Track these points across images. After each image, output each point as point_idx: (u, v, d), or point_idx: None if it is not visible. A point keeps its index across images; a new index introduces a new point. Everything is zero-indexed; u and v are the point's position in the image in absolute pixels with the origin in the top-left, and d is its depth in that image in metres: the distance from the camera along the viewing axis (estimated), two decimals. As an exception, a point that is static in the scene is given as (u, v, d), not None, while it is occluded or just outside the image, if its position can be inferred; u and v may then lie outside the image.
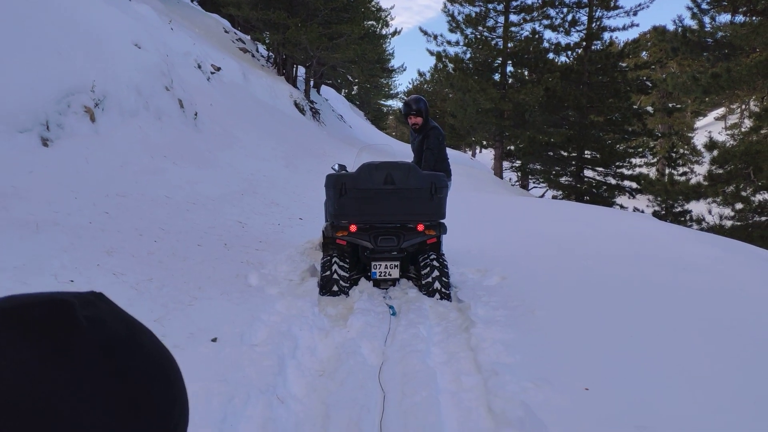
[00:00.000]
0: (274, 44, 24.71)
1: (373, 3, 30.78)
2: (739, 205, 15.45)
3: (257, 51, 28.12)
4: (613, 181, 24.58)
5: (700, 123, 52.02)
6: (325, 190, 5.50)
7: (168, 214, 6.86)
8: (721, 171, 14.92)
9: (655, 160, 27.57)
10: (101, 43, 8.84)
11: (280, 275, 5.82)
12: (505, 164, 30.44)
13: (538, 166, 26.77)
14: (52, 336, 0.54)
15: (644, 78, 24.90)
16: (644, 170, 25.18)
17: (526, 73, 27.38)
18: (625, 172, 24.46)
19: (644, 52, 28.38)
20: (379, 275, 5.48)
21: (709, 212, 16.36)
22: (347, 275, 5.44)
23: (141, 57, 9.96)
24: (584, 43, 24.80)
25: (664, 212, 19.31)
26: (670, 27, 16.67)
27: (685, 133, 37.56)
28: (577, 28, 25.29)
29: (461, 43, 27.84)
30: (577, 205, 14.33)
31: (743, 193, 15.08)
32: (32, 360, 0.52)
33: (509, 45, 26.85)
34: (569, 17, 25.28)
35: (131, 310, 2.64)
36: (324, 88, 35.51)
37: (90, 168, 6.59)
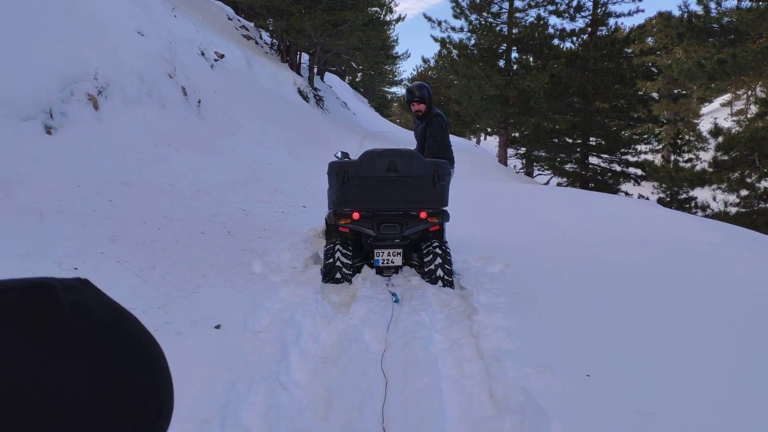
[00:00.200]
0: (278, 31, 24.62)
1: (377, -11, 30.62)
2: (744, 192, 15.39)
3: (261, 38, 28.02)
4: (618, 168, 24.51)
5: (705, 109, 51.71)
6: (328, 177, 5.50)
7: (172, 201, 6.88)
8: (726, 157, 14.85)
9: (660, 146, 27.46)
10: (104, 30, 8.82)
11: (284, 263, 5.84)
12: (510, 151, 30.35)
13: (543, 153, 26.70)
14: (32, 320, 0.53)
15: (650, 64, 24.75)
16: (649, 157, 25.09)
17: (531, 59, 27.23)
18: (630, 158, 24.37)
19: (650, 38, 28.22)
20: (382, 263, 5.50)
21: (714, 199, 16.31)
22: (350, 263, 5.46)
23: (144, 44, 9.94)
24: (589, 29, 24.65)
25: (669, 199, 19.26)
26: (676, 13, 16.56)
27: (690, 119, 37.39)
28: (582, 13, 25.13)
29: (465, 29, 27.70)
30: (581, 192, 14.30)
31: (748, 180, 15.02)
32: (9, 344, 0.51)
33: (514, 31, 26.69)
34: (574, 3, 25.12)
35: (135, 298, 2.67)
36: (328, 75, 35.40)
37: (93, 156, 6.60)
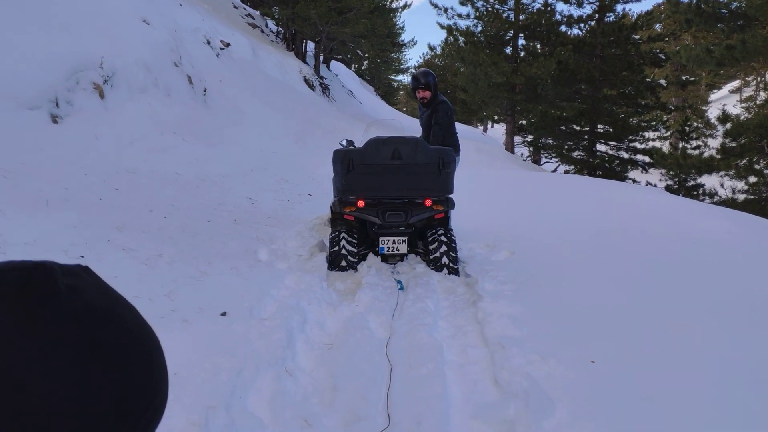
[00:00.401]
0: (284, 19, 24.56)
1: (382, -24, 30.43)
2: (752, 179, 15.30)
3: (266, 26, 27.96)
4: (625, 156, 24.37)
5: (714, 96, 51.28)
6: (333, 165, 5.49)
7: (178, 190, 6.90)
8: (734, 144, 14.75)
9: (668, 134, 27.29)
10: (109, 19, 8.82)
11: (290, 251, 5.86)
12: (517, 139, 30.24)
13: (551, 141, 26.57)
14: (25, 300, 0.53)
15: (658, 50, 24.53)
16: (657, 144, 24.93)
17: (538, 46, 27.07)
18: (638, 146, 24.23)
19: (658, 24, 27.95)
20: (387, 250, 5.50)
21: (722, 186, 16.21)
22: (355, 250, 5.47)
23: (149, 33, 9.94)
24: (597, 16, 24.44)
25: (677, 186, 19.15)
26: (684, -2, 16.40)
27: (699, 106, 37.08)
28: (589, 0, 24.92)
29: (472, 16, 27.52)
30: (588, 180, 14.25)
31: (756, 167, 14.92)
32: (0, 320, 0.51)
33: (521, 17, 26.51)
34: (582, -11, 24.90)
35: (141, 286, 2.68)
36: (334, 64, 35.30)
37: (100, 145, 6.63)
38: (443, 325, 4.29)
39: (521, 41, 27.41)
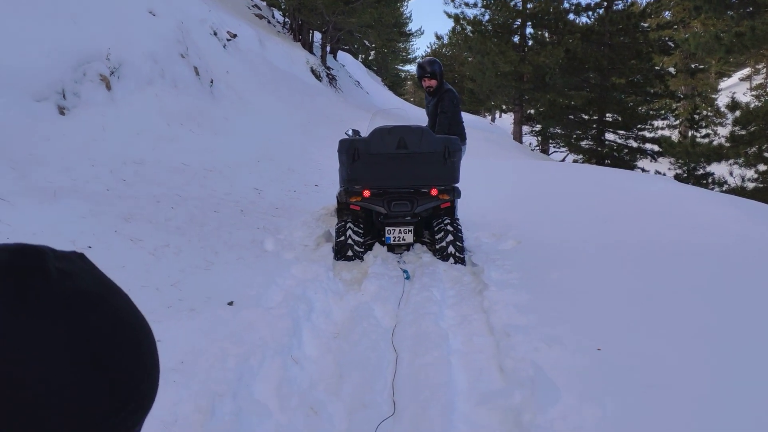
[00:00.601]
0: (290, 9, 24.52)
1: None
2: (762, 167, 15.18)
3: (273, 17, 27.92)
4: (634, 144, 24.21)
5: (724, 84, 50.84)
6: (338, 155, 5.49)
7: (185, 181, 6.93)
8: (743, 132, 14.62)
9: (677, 122, 27.10)
10: (115, 11, 8.83)
11: (296, 240, 5.87)
12: (525, 129, 30.11)
13: (559, 130, 26.41)
14: (14, 281, 0.53)
15: (666, 38, 24.31)
16: (666, 133, 24.77)
17: (546, 34, 26.89)
18: (647, 134, 24.06)
19: (667, 12, 27.68)
20: (393, 240, 5.50)
21: (731, 174, 16.10)
22: (361, 240, 5.47)
23: (156, 24, 9.95)
24: (605, 3, 24.21)
25: (686, 175, 19.05)
26: (693, -16, 16.20)
27: (708, 94, 36.77)
28: (597, -12, 24.71)
29: (479, 5, 27.34)
30: (595, 168, 14.19)
31: (766, 154, 14.80)
32: None
33: (528, 6, 26.31)
34: (590, -23, 24.69)
35: (148, 276, 2.70)
36: (341, 54, 35.21)
37: (107, 136, 6.65)
38: (449, 314, 4.30)
39: (529, 30, 27.25)
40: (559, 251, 5.48)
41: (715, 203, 7.46)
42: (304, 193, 8.35)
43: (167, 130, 8.12)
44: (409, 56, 49.04)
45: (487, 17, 27.49)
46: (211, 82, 11.39)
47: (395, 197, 5.43)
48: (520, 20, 26.80)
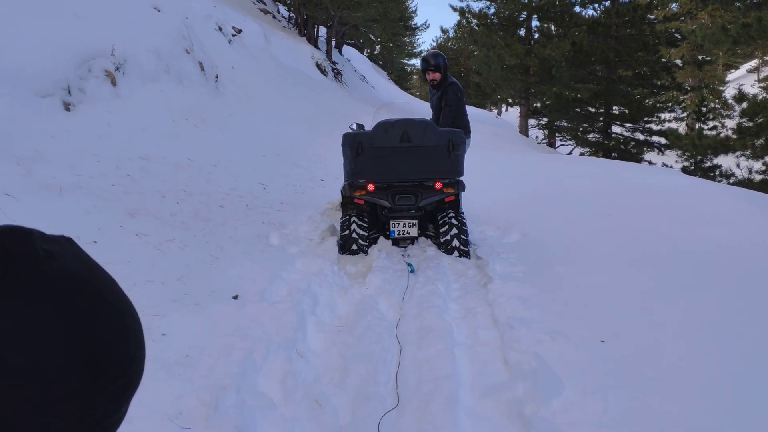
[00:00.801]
0: (295, 4, 24.49)
1: (394, -41, 30.13)
2: (768, 158, 15.11)
3: (278, 12, 27.89)
4: (641, 137, 24.10)
5: (732, 76, 50.45)
6: (342, 149, 5.49)
7: (190, 176, 6.94)
8: (750, 124, 14.53)
9: (684, 114, 26.96)
10: (120, 7, 8.85)
11: (301, 235, 5.88)
12: (531, 122, 30.00)
13: (565, 123, 26.32)
14: (1, 260, 0.54)
15: (673, 30, 24.16)
16: (673, 125, 24.64)
17: (552, 27, 26.76)
18: (654, 127, 23.95)
19: (674, 4, 27.49)
20: (398, 234, 5.50)
21: (738, 166, 16.01)
22: (366, 234, 5.48)
23: (160, 20, 9.96)
24: (612, -5, 24.11)
25: (693, 167, 18.95)
26: (700, -25, 16.11)
27: (716, 86, 36.53)
28: (603, -20, 24.57)
29: (485, -2, 27.26)
30: (600, 161, 14.12)
31: (773, 146, 14.72)
32: None
33: (534, -1, 26.21)
34: (596, -31, 24.53)
35: (154, 270, 2.72)
36: (346, 49, 35.16)
37: (112, 132, 6.67)
38: (453, 307, 4.31)
39: (535, 23, 27.11)
40: (564, 244, 5.47)
41: (721, 195, 7.42)
42: (309, 187, 8.35)
43: (172, 126, 8.14)
44: (414, 50, 48.91)
45: (492, 10, 27.37)
46: (216, 77, 11.40)
47: (399, 191, 5.42)
48: (525, 13, 26.66)
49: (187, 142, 7.97)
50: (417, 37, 46.30)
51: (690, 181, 9.59)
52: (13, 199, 4.47)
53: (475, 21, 27.54)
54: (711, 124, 20.98)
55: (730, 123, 18.29)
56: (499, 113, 54.75)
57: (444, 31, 51.84)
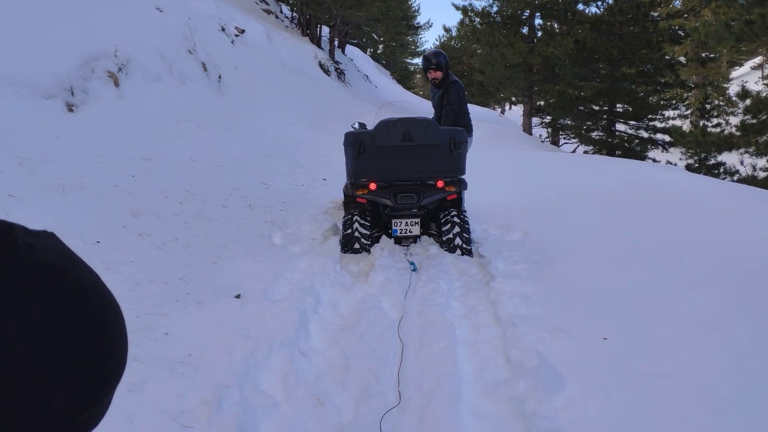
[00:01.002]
0: (298, 4, 24.51)
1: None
2: (772, 155, 15.04)
3: (281, 12, 27.91)
4: (645, 135, 24.04)
5: (736, 73, 50.23)
6: (344, 148, 5.50)
7: (193, 176, 6.96)
8: (754, 121, 14.48)
9: (688, 112, 26.88)
10: (123, 7, 8.88)
11: (304, 234, 5.89)
12: (535, 120, 29.98)
13: (569, 122, 26.29)
14: None
15: (677, 27, 24.09)
16: (678, 123, 24.58)
17: (555, 25, 26.72)
18: (658, 125, 23.91)
19: (677, 1, 27.44)
20: (400, 232, 5.51)
21: (741, 163, 15.96)
22: (368, 233, 5.48)
23: (163, 21, 9.99)
24: (614, -7, 24.05)
25: (697, 165, 18.90)
26: (703, -28, 16.04)
27: (720, 83, 36.38)
28: (606, -23, 24.50)
29: (487, -4, 27.24)
30: (605, 159, 14.11)
31: (777, 143, 14.66)
32: None
33: (537, -3, 26.17)
34: (598, -34, 24.48)
35: (157, 270, 2.74)
36: (349, 48, 35.16)
37: (115, 132, 6.69)
38: (456, 305, 4.31)
39: (538, 21, 27.09)
40: (566, 242, 5.47)
41: (725, 193, 7.41)
42: (312, 187, 8.37)
43: (175, 126, 8.16)
44: (417, 49, 48.90)
45: (495, 8, 27.36)
46: (219, 77, 11.42)
47: (401, 189, 5.43)
48: (528, 11, 26.64)
49: (190, 143, 7.99)
50: (420, 36, 46.33)
51: (694, 178, 9.57)
52: (17, 200, 4.49)
53: (478, 19, 27.54)
54: (715, 121, 20.94)
55: (734, 120, 18.23)
56: (503, 112, 54.69)
57: (447, 29, 51.84)
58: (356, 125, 6.20)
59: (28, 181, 4.87)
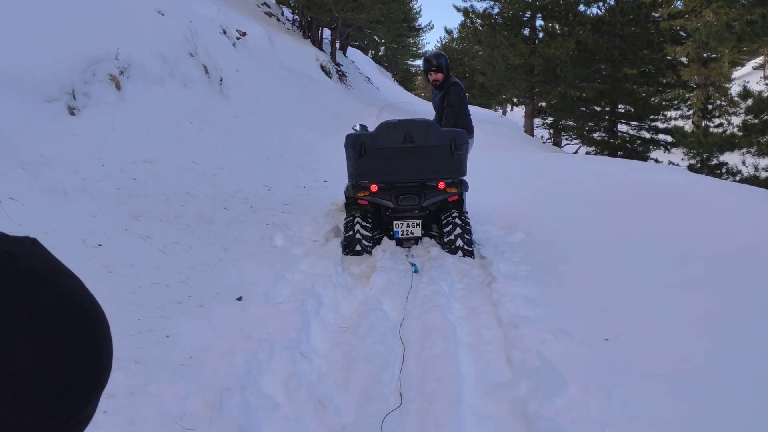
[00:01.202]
0: (299, 7, 24.55)
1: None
2: (775, 155, 15.03)
3: (282, 14, 27.97)
4: (647, 135, 24.03)
5: (737, 73, 50.15)
6: (345, 150, 5.50)
7: (195, 179, 6.97)
8: (756, 121, 14.47)
9: (690, 112, 26.86)
10: (124, 11, 8.90)
11: (305, 236, 5.90)
12: (537, 121, 29.98)
13: (571, 123, 26.29)
14: None
15: (678, 28, 24.08)
16: (679, 123, 24.56)
17: (556, 26, 26.72)
18: (660, 125, 23.89)
19: (678, 1, 27.43)
20: (402, 234, 5.51)
21: (743, 163, 15.94)
22: (370, 235, 5.48)
23: (164, 24, 10.01)
24: (615, -7, 24.04)
25: (699, 165, 18.87)
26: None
27: (722, 83, 36.35)
28: (607, -22, 24.50)
29: (488, -2, 27.25)
30: (607, 160, 14.10)
31: (779, 143, 14.64)
32: None
33: (538, -2, 26.19)
34: (599, -33, 24.48)
35: (158, 273, 2.74)
36: (350, 50, 35.21)
37: (117, 135, 6.71)
38: (457, 307, 4.31)
39: (539, 22, 27.10)
40: (568, 243, 5.47)
41: (727, 193, 7.40)
42: (314, 189, 8.37)
43: (177, 129, 8.18)
44: (419, 51, 48.89)
45: (496, 10, 27.38)
46: (221, 80, 11.44)
47: (402, 191, 5.43)
48: (529, 12, 26.66)
49: (192, 145, 8.00)
50: (421, 38, 46.33)
51: (694, 178, 9.56)
52: (19, 203, 4.50)
53: (479, 21, 27.57)
54: (717, 121, 20.90)
55: (736, 120, 18.21)
56: (505, 113, 54.70)
57: (448, 31, 51.85)
58: (357, 127, 6.20)
59: (30, 185, 4.88)
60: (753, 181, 14.80)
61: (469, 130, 6.10)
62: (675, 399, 2.78)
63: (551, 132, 28.91)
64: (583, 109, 24.73)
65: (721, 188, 7.94)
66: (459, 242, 5.38)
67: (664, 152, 23.52)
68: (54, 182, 5.09)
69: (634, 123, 24.32)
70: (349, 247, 5.40)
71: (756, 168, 15.73)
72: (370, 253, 5.43)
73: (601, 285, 4.39)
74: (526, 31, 27.37)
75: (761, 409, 2.68)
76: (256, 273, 4.68)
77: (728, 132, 16.58)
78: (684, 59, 26.26)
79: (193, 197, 6.34)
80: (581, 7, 25.31)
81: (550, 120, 28.02)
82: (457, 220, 5.44)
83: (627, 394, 2.84)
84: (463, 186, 5.57)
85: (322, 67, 23.11)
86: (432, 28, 46.18)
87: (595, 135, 25.27)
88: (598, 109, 24.72)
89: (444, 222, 5.51)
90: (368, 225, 5.48)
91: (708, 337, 3.38)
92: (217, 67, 11.51)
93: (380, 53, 47.59)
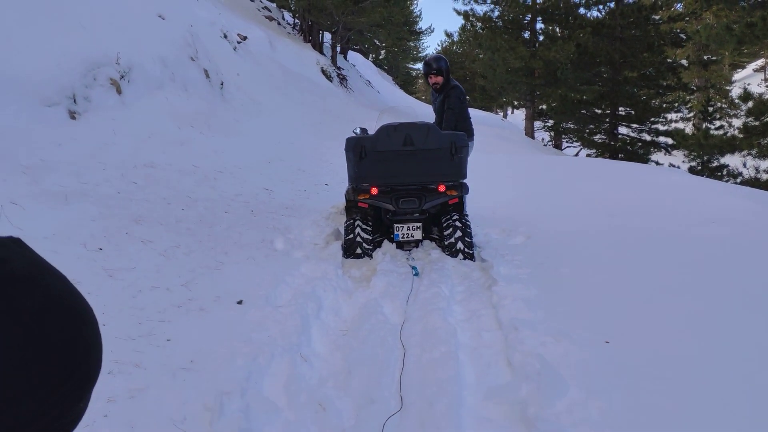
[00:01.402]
0: (300, 11, 24.59)
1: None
2: (775, 158, 15.04)
3: (283, 18, 28.01)
4: (648, 138, 24.06)
5: (738, 75, 50.22)
6: (346, 153, 5.50)
7: (195, 182, 6.98)
8: (756, 123, 14.48)
9: (690, 114, 26.88)
10: (125, 15, 8.92)
11: (305, 239, 5.90)
12: (538, 124, 30.01)
13: (572, 125, 26.32)
14: None
15: (678, 30, 24.11)
16: (680, 125, 24.58)
17: (556, 29, 26.77)
18: (661, 128, 23.92)
19: (678, 4, 27.44)
20: (402, 237, 5.51)
21: (744, 165, 15.95)
22: (370, 238, 5.48)
23: (165, 28, 10.03)
24: (616, -4, 24.09)
25: (700, 167, 18.88)
26: (705, -25, 16.07)
27: (722, 86, 36.37)
28: (607, -19, 24.55)
29: (489, 1, 27.31)
30: (606, 162, 14.10)
31: (780, 145, 14.66)
32: None
33: (538, 1, 26.23)
34: (599, -30, 24.54)
35: (159, 276, 2.75)
36: (351, 54, 35.25)
37: (117, 139, 6.72)
38: (458, 310, 4.31)
39: (539, 25, 27.19)
40: (569, 246, 5.46)
41: (726, 194, 7.40)
42: (315, 192, 8.38)
43: (178, 133, 8.19)
44: (419, 54, 48.96)
45: (496, 13, 27.47)
46: (222, 84, 11.45)
47: (403, 194, 5.43)
48: (530, 15, 26.71)
49: (193, 149, 8.01)
50: (422, 41, 46.37)
51: (695, 180, 9.56)
52: (20, 208, 4.50)
53: (479, 24, 27.63)
54: (717, 123, 20.91)
55: (737, 122, 18.22)
56: (505, 116, 54.73)
57: (448, 34, 51.98)
58: (357, 130, 6.21)
59: (31, 189, 4.89)
60: (754, 183, 14.80)
61: (470, 133, 6.10)
62: (676, 401, 2.77)
63: (552, 135, 28.95)
64: (584, 111, 24.77)
65: (721, 191, 7.93)
66: (459, 245, 5.38)
67: (665, 154, 23.54)
68: (55, 186, 5.10)
69: (634, 125, 24.36)
70: (350, 250, 5.41)
71: (757, 170, 15.74)
72: (370, 256, 5.43)
73: (602, 288, 4.39)
74: (527, 35, 27.44)
75: (761, 410, 2.68)
76: (256, 276, 4.68)
77: (729, 134, 16.60)
78: (684, 62, 26.30)
79: (193, 201, 6.35)
80: (581, 10, 25.41)
81: (550, 123, 28.06)
82: (458, 223, 5.44)
83: (628, 397, 2.83)
84: (464, 189, 5.57)
85: (323, 71, 23.15)
86: (432, 31, 46.21)
87: (596, 137, 25.31)
88: (599, 111, 24.76)
89: (444, 225, 5.51)
90: (369, 228, 5.48)
91: (709, 340, 3.38)
92: (217, 71, 11.53)
93: (381, 57, 47.65)
